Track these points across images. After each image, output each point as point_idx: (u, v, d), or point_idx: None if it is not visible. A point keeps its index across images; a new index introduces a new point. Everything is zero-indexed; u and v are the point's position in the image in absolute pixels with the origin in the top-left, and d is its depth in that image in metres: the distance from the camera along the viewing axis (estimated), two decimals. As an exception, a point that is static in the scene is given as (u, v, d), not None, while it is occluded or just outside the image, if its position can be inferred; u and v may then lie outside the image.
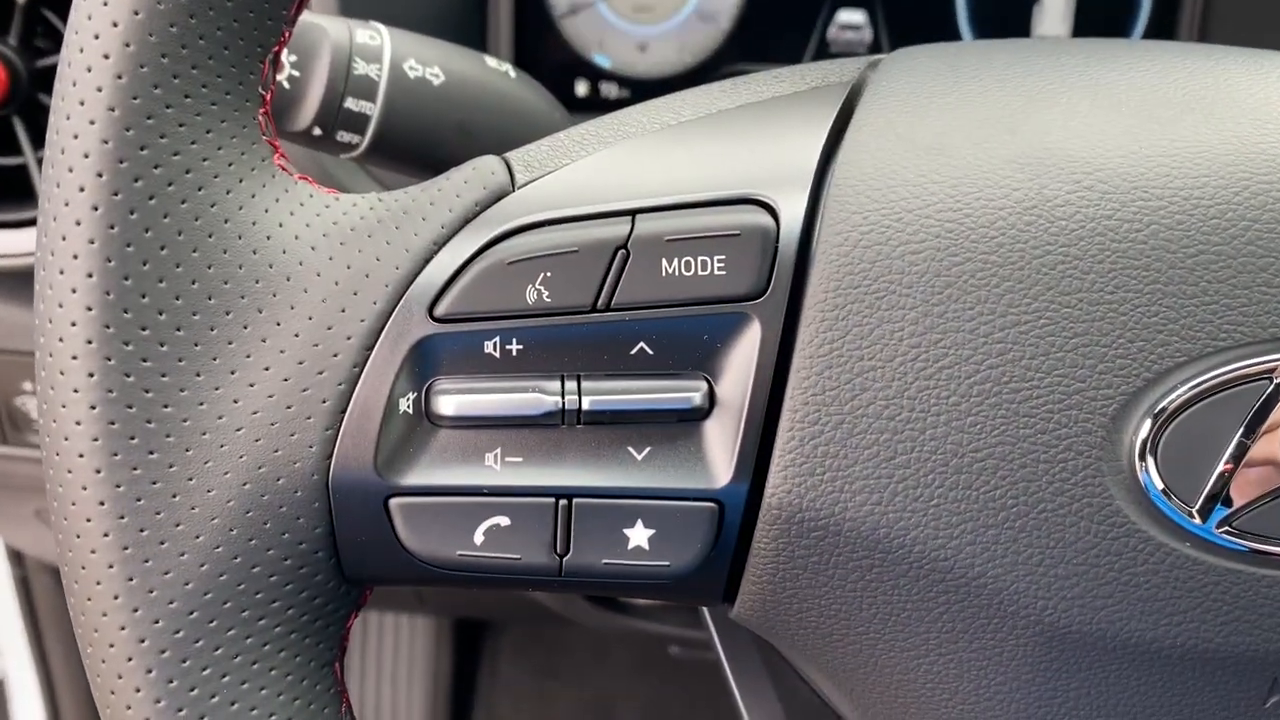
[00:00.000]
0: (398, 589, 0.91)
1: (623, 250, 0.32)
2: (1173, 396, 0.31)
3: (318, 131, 0.45)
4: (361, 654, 1.42)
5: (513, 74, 0.50)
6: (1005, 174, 0.32)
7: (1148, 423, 0.31)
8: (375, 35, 0.46)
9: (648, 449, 0.32)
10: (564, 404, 0.32)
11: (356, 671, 1.41)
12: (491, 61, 0.50)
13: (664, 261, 0.32)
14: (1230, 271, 0.31)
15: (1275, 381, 0.31)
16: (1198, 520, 0.31)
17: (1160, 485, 0.31)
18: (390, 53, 0.46)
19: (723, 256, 0.32)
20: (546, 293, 0.32)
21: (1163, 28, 0.85)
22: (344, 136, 0.46)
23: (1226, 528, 0.31)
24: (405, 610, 1.29)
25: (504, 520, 0.32)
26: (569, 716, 1.48)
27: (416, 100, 0.46)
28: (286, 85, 0.45)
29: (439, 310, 0.32)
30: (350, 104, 0.45)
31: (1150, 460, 0.31)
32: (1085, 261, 0.31)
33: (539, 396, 0.32)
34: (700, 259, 0.32)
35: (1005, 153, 0.33)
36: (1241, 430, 0.31)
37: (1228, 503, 0.31)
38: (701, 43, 0.84)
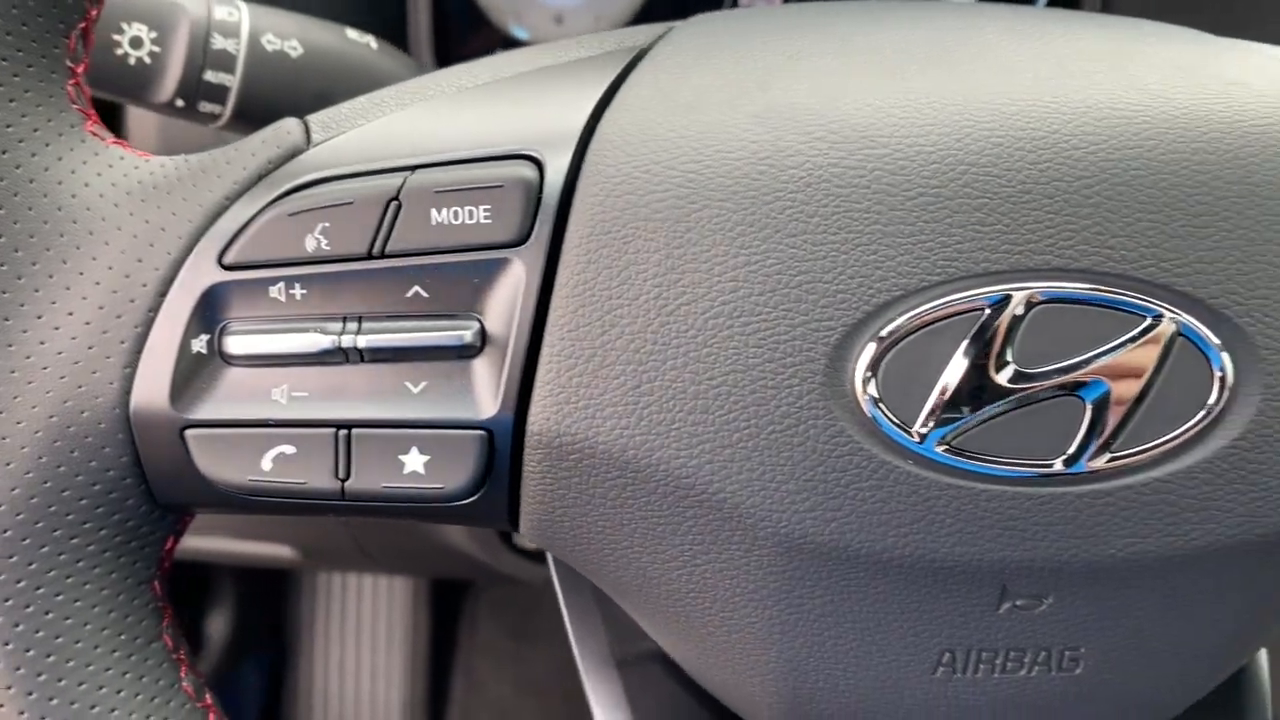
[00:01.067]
0: (340, 547, 0.95)
1: (395, 201, 0.35)
2: (892, 326, 0.34)
3: (180, 103, 0.49)
4: (341, 617, 1.46)
5: (374, 45, 0.53)
6: (746, 128, 0.35)
7: (869, 351, 0.34)
8: (234, 11, 0.49)
9: (424, 384, 0.35)
10: (342, 342, 0.35)
11: (337, 635, 1.45)
12: (353, 34, 0.53)
13: (433, 211, 0.35)
14: (946, 212, 0.34)
15: (988, 311, 0.34)
16: (917, 439, 0.34)
17: (882, 407, 0.34)
18: (248, 27, 0.49)
19: (488, 207, 0.35)
20: (325, 241, 0.35)
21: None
22: (206, 107, 0.49)
23: (945, 446, 0.34)
24: (356, 569, 1.33)
25: (290, 449, 0.35)
26: (548, 677, 1.52)
27: (275, 72, 0.50)
28: (147, 60, 0.48)
29: (227, 259, 0.35)
30: (210, 76, 0.49)
31: (872, 385, 0.34)
32: (811, 206, 0.34)
33: (319, 336, 0.35)
34: (468, 209, 0.35)
35: (752, 108, 0.35)
36: (957, 356, 0.34)
37: (945, 423, 0.34)
38: (617, 12, 0.86)
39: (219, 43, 0.48)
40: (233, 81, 0.49)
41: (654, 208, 0.34)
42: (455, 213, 0.35)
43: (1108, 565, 0.35)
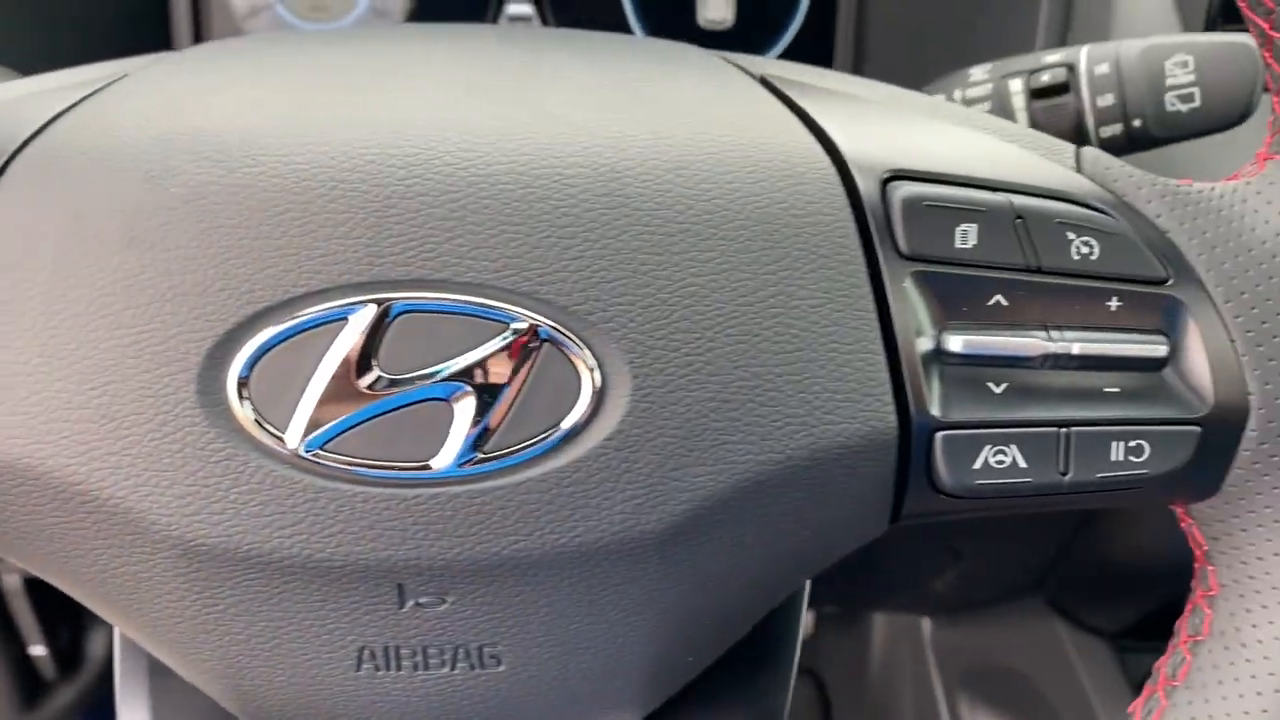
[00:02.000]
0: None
1: None
2: (261, 337, 0.35)
3: None
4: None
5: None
6: (144, 149, 0.37)
7: (241, 360, 0.35)
8: None
9: None
10: None
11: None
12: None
13: None
14: (313, 226, 0.35)
15: (349, 321, 0.35)
16: (293, 445, 0.35)
17: (257, 415, 0.35)
18: None
19: None
20: None
21: (824, 11, 0.89)
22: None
23: (321, 450, 0.35)
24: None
25: None
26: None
27: None
28: None
29: None
30: None
31: (247, 393, 0.35)
32: (189, 222, 0.36)
33: None
34: None
35: (155, 132, 0.37)
36: (323, 364, 0.35)
37: (318, 428, 0.35)
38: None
39: None
40: None
41: (44, 227, 0.36)
42: None
43: (497, 564, 0.36)
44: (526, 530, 0.36)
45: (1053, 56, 0.55)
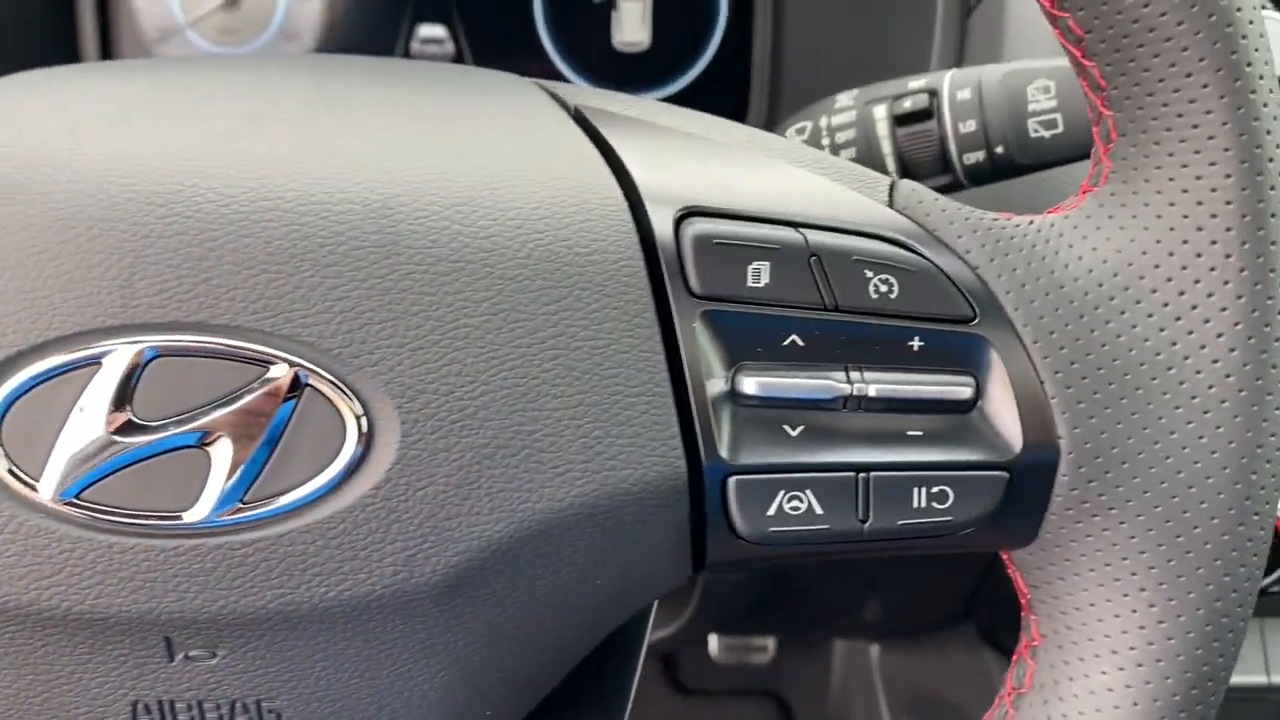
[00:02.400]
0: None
1: None
2: (12, 382, 0.34)
3: None
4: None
5: None
6: None
7: None
8: None
9: None
10: None
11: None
12: None
13: None
14: (68, 268, 0.34)
15: (102, 366, 0.34)
16: (47, 493, 0.34)
17: (10, 463, 0.34)
18: None
19: None
20: None
21: (741, 33, 0.87)
22: None
23: (76, 500, 0.34)
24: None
25: None
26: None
27: None
28: None
29: None
30: None
31: (-3, 441, 0.34)
32: None
33: None
34: None
35: None
36: (75, 411, 0.34)
37: (72, 477, 0.34)
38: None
39: None
40: None
41: None
42: None
43: (264, 617, 0.35)
44: (292, 583, 0.35)
45: (917, 82, 0.54)
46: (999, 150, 0.52)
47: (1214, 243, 0.36)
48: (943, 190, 0.54)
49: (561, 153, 0.38)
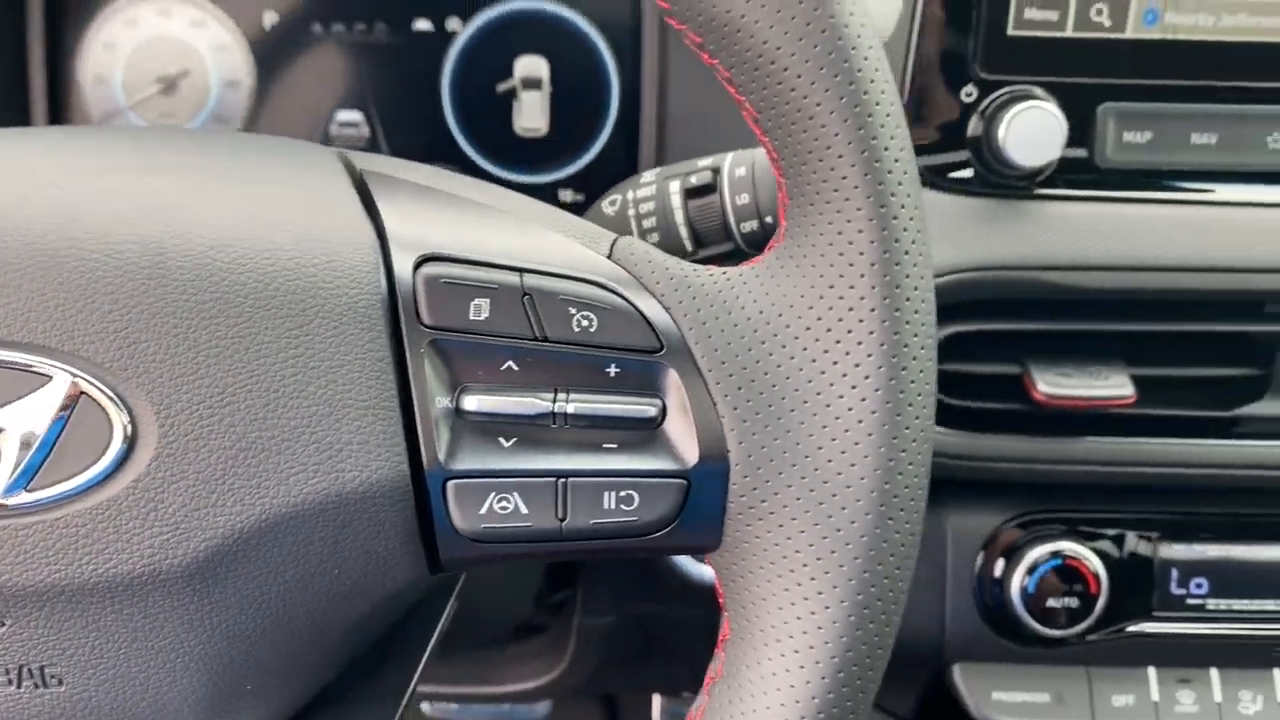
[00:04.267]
0: None
1: None
2: None
3: None
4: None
5: None
6: None
7: None
8: None
9: None
10: None
11: None
12: None
13: None
14: None
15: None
16: None
17: None
18: None
19: None
20: None
21: (630, 118, 0.95)
22: None
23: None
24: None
25: None
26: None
27: None
28: None
29: None
30: None
31: None
32: None
33: None
34: None
35: None
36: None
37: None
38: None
39: None
40: None
41: None
42: None
43: (43, 590, 0.41)
44: (66, 560, 0.41)
45: (705, 161, 0.61)
46: (768, 220, 0.59)
47: (852, 288, 0.42)
48: (729, 255, 0.61)
49: (329, 205, 0.45)
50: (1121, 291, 0.69)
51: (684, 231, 0.60)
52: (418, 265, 0.44)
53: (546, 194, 0.97)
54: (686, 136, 0.95)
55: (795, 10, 0.41)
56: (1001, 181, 0.69)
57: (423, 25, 0.95)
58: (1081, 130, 0.69)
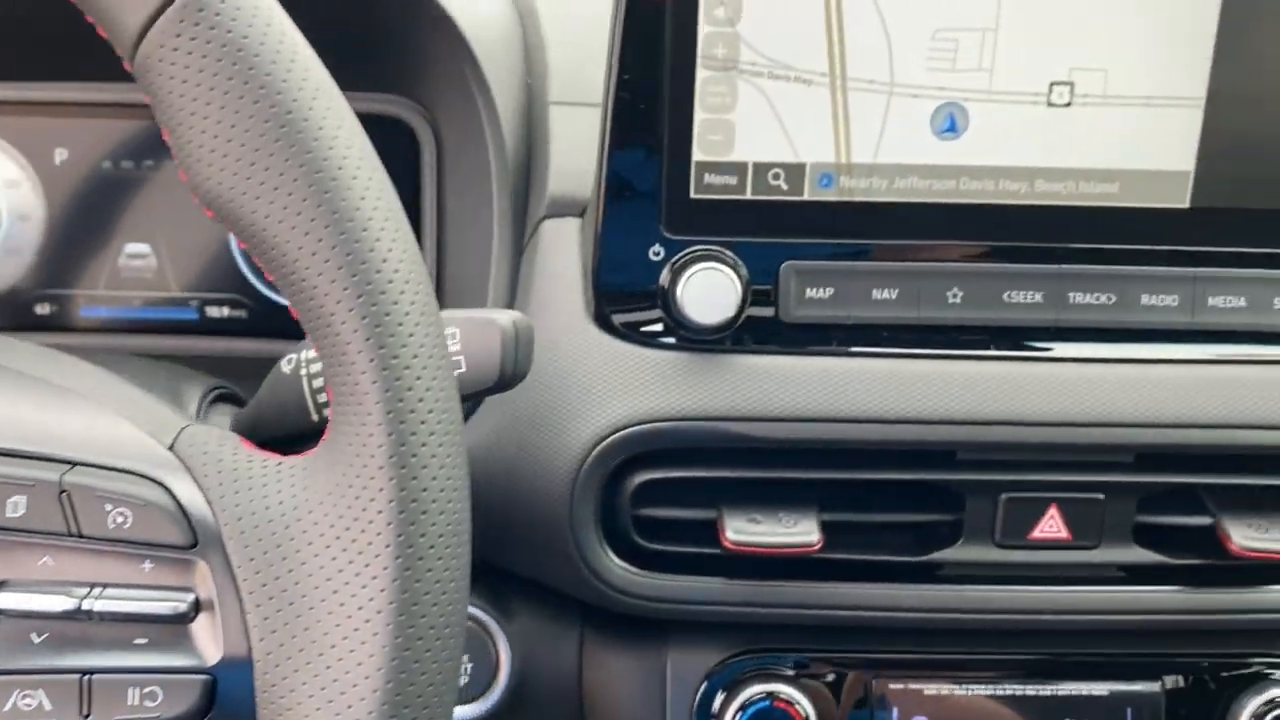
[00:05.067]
0: None
1: None
2: None
3: None
4: None
5: None
6: None
7: None
8: None
9: None
10: None
11: None
12: None
13: None
14: None
15: None
16: None
17: None
18: None
19: None
20: None
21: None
22: None
23: None
24: None
25: None
26: None
27: None
28: None
29: None
30: None
31: None
32: None
33: None
34: None
35: None
36: None
37: None
38: (9, 273, 0.98)
39: None
40: None
41: None
42: None
43: None
44: None
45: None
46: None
47: (365, 488, 0.44)
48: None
49: None
50: (805, 441, 0.71)
51: (309, 402, 0.62)
52: None
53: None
54: (460, 298, 0.97)
55: (301, 208, 0.43)
56: (695, 337, 0.71)
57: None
58: (766, 287, 0.71)
